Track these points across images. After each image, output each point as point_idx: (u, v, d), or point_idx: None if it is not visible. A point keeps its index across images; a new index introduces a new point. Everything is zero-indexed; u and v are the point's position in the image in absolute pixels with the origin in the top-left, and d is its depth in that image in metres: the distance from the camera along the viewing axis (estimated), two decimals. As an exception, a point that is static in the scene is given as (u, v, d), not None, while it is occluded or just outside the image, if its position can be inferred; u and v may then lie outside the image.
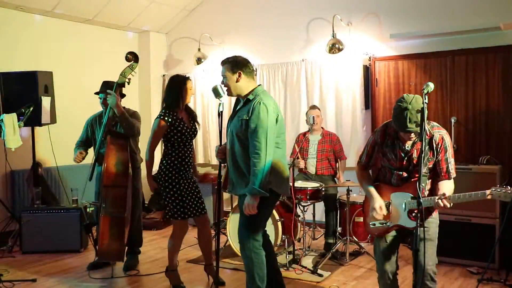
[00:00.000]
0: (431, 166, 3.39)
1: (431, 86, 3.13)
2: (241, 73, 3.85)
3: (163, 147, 4.63)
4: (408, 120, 3.17)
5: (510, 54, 5.71)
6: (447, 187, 3.37)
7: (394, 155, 3.46)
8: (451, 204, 3.23)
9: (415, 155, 3.38)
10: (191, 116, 4.65)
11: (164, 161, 4.55)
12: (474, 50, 5.88)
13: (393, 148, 3.45)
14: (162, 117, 4.47)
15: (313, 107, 6.16)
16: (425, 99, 3.10)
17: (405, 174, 3.47)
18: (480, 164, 5.39)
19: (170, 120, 4.46)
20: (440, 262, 5.01)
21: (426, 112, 3.10)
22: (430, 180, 3.47)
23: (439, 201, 3.18)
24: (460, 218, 5.21)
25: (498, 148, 5.76)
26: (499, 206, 5.06)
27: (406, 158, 3.42)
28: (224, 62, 3.94)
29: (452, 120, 5.94)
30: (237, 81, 3.85)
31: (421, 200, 3.22)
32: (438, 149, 3.34)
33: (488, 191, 3.12)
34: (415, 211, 3.35)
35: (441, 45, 6.09)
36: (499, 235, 4.90)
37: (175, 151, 4.52)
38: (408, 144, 3.38)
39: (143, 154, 5.49)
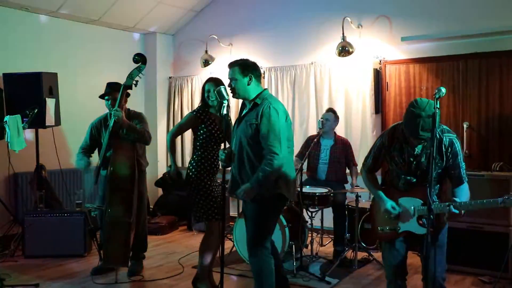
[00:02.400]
0: (440, 171, 3.34)
1: (443, 91, 3.07)
2: (252, 76, 3.87)
3: (192, 149, 4.67)
4: (420, 127, 3.13)
5: (525, 58, 5.66)
6: (464, 193, 3.33)
7: (402, 159, 3.42)
8: (463, 211, 3.18)
9: (424, 159, 3.33)
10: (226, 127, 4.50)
11: (193, 162, 4.54)
12: (488, 54, 5.81)
13: (401, 152, 3.41)
14: (195, 112, 4.56)
15: (327, 110, 6.11)
16: (436, 104, 3.06)
17: (413, 179, 3.42)
18: (493, 171, 5.31)
19: (201, 117, 4.50)
20: (451, 271, 5.02)
21: (438, 117, 3.05)
22: (438, 186, 3.42)
23: (451, 207, 3.14)
24: (472, 226, 5.14)
25: (511, 155, 5.68)
26: (513, 214, 5.00)
27: (414, 163, 3.37)
28: (233, 65, 3.94)
29: (465, 125, 5.89)
30: (248, 84, 3.87)
31: (432, 207, 3.20)
32: (448, 154, 3.27)
33: (500, 199, 3.08)
34: (424, 217, 3.34)
35: (454, 49, 6.03)
36: (512, 243, 4.84)
37: (204, 153, 4.51)
38: (417, 149, 3.33)
39: (148, 156, 5.49)
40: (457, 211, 3.14)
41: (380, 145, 3.53)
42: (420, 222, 3.36)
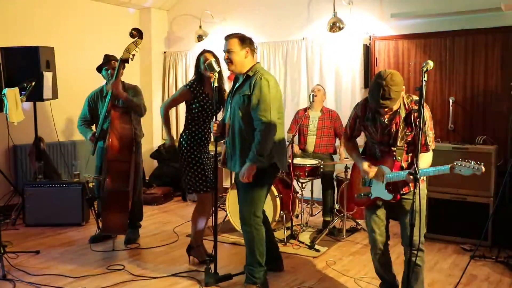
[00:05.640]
0: (410, 139, 3.41)
1: (431, 64, 3.11)
2: (249, 49, 3.93)
3: (184, 121, 4.67)
4: (381, 96, 3.18)
5: (509, 35, 5.73)
6: (424, 159, 3.38)
7: (375, 128, 3.50)
8: (421, 178, 3.26)
9: (393, 129, 3.41)
10: (219, 95, 4.49)
11: (184, 135, 4.59)
12: (474, 30, 5.89)
13: (374, 122, 3.49)
14: (188, 86, 4.55)
15: (316, 85, 6.23)
16: (424, 77, 3.09)
17: (385, 148, 3.52)
18: (476, 144, 5.44)
19: (194, 92, 4.50)
20: (434, 239, 5.22)
21: (424, 89, 3.09)
22: (411, 154, 3.48)
23: (410, 176, 3.21)
24: (455, 196, 5.29)
25: (494, 129, 5.81)
26: (494, 185, 5.14)
27: (385, 132, 3.46)
28: (231, 36, 3.97)
29: (450, 100, 6.00)
30: (245, 56, 3.92)
31: (395, 174, 3.37)
32: (416, 123, 3.31)
33: (450, 165, 3.17)
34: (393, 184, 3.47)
35: (441, 25, 6.10)
36: (492, 213, 4.98)
37: (195, 126, 4.55)
38: (386, 118, 3.41)
39: (144, 128, 5.57)
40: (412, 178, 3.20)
41: (355, 115, 3.63)
42: (388, 188, 3.48)
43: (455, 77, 6.06)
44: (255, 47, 4.08)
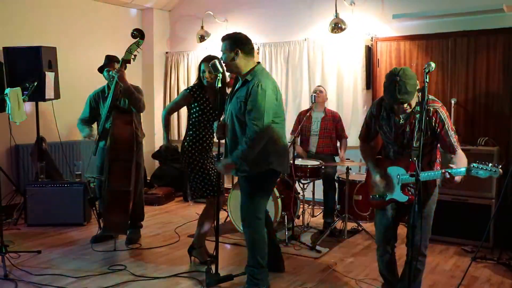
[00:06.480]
0: (424, 142, 3.31)
1: (433, 65, 3.09)
2: (239, 51, 3.83)
3: (186, 126, 4.68)
4: (398, 91, 3.14)
5: (511, 36, 5.72)
6: (460, 160, 3.28)
7: (389, 128, 3.48)
8: (457, 178, 3.18)
9: (408, 129, 3.37)
10: (221, 101, 4.35)
11: (186, 141, 4.57)
12: (476, 32, 5.89)
13: (388, 121, 3.47)
14: (188, 90, 4.56)
15: (317, 87, 6.22)
16: (426, 78, 3.07)
17: (399, 148, 3.49)
18: (478, 146, 5.43)
19: (195, 95, 4.51)
20: (436, 241, 5.20)
21: (426, 91, 3.08)
22: (424, 157, 3.41)
23: (446, 174, 3.13)
24: (457, 198, 5.28)
25: (496, 130, 5.80)
26: (496, 187, 5.13)
27: (400, 132, 3.42)
28: (224, 39, 3.95)
29: (452, 102, 5.97)
30: (233, 59, 3.85)
31: (402, 175, 3.33)
32: (433, 123, 3.28)
33: (466, 167, 3.11)
34: (408, 186, 3.43)
35: (443, 27, 6.09)
36: (493, 214, 4.97)
37: (196, 131, 4.53)
38: (401, 118, 3.38)
39: (145, 129, 5.58)
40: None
41: (370, 115, 3.59)
42: (404, 190, 3.44)
43: (457, 79, 6.06)
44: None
